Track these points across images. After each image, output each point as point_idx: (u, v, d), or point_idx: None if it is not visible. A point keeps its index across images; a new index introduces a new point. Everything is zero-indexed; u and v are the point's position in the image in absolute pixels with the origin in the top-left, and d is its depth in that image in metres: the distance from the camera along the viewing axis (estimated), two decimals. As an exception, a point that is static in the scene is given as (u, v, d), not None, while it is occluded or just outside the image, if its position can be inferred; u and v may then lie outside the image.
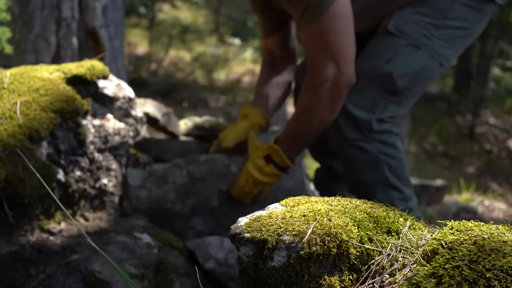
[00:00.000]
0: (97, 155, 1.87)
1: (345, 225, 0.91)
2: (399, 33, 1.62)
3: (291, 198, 1.06)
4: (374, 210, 1.00)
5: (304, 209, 0.96)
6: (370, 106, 1.60)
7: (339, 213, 0.95)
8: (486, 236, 0.81)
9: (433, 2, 1.63)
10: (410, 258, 0.86)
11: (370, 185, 1.65)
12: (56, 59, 2.70)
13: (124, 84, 2.07)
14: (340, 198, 1.06)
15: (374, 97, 1.59)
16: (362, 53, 1.68)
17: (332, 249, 0.87)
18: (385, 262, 0.88)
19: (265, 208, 1.02)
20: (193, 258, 1.57)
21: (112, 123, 1.96)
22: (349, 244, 0.89)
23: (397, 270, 0.85)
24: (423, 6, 1.63)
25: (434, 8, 1.62)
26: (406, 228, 0.95)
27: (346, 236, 0.89)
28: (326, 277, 0.87)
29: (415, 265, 0.83)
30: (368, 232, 0.93)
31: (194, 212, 1.81)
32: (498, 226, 0.87)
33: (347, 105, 1.59)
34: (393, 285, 0.82)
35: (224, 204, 1.84)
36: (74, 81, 1.88)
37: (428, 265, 0.81)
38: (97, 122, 1.91)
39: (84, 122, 1.85)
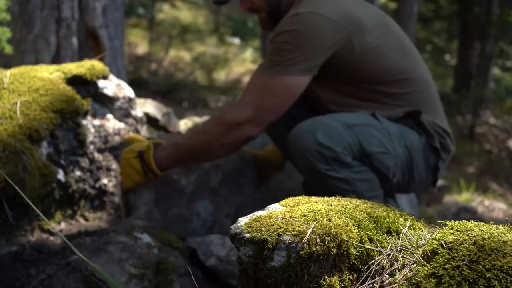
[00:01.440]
0: (97, 155, 1.87)
1: (345, 225, 0.91)
2: (381, 120, 1.68)
3: (291, 198, 1.06)
4: (374, 210, 1.00)
5: (304, 209, 0.96)
6: (341, 144, 1.56)
7: (339, 213, 0.95)
8: (486, 236, 0.81)
9: None
10: (410, 258, 0.86)
11: None
12: (56, 59, 2.70)
13: (124, 84, 2.07)
14: (340, 198, 1.06)
15: (347, 142, 1.56)
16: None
17: (332, 249, 0.87)
18: (385, 262, 0.88)
19: (265, 208, 1.02)
20: (194, 257, 1.57)
21: (112, 123, 1.96)
22: (349, 244, 0.89)
23: (397, 270, 0.85)
24: (400, 126, 1.71)
25: (408, 133, 1.72)
26: (406, 228, 0.95)
27: (346, 236, 0.89)
28: (326, 277, 0.87)
29: (415, 265, 0.83)
30: (368, 232, 0.93)
31: (196, 191, 1.84)
32: (498, 226, 0.87)
33: (319, 137, 1.54)
34: (393, 285, 0.82)
35: (223, 184, 1.86)
36: (74, 81, 1.88)
37: (428, 265, 0.81)
38: (97, 122, 1.91)
39: (84, 122, 1.85)
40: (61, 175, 1.74)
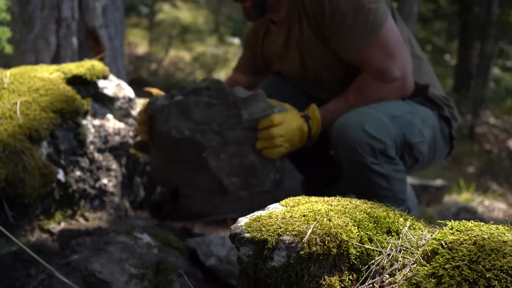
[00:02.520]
0: (97, 155, 1.88)
1: (345, 225, 0.91)
2: (413, 107, 1.72)
3: (291, 198, 1.06)
4: (374, 210, 1.00)
5: (304, 209, 0.96)
6: (388, 137, 1.57)
7: (339, 213, 0.95)
8: (486, 236, 0.81)
9: None
10: (410, 258, 0.86)
11: (384, 202, 1.62)
12: (56, 59, 2.70)
13: (124, 84, 2.07)
14: (340, 198, 1.06)
15: (393, 134, 1.57)
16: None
17: (332, 249, 0.87)
18: (385, 262, 0.88)
19: (265, 208, 1.02)
20: (194, 257, 1.57)
21: (112, 123, 1.96)
22: (349, 244, 0.89)
23: (397, 270, 0.85)
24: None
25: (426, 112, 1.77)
26: (406, 228, 0.96)
27: (346, 236, 0.89)
28: (326, 277, 0.87)
29: (415, 265, 0.83)
30: (368, 232, 0.93)
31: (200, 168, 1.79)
32: (498, 226, 0.87)
33: (368, 128, 1.54)
34: (393, 285, 0.82)
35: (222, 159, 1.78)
36: (74, 81, 1.88)
37: (428, 265, 0.81)
38: (97, 122, 1.91)
39: (84, 122, 1.85)
40: (61, 175, 1.74)
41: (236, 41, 10.08)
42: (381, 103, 1.68)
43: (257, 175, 1.73)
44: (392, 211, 1.04)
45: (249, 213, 1.00)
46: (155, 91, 1.91)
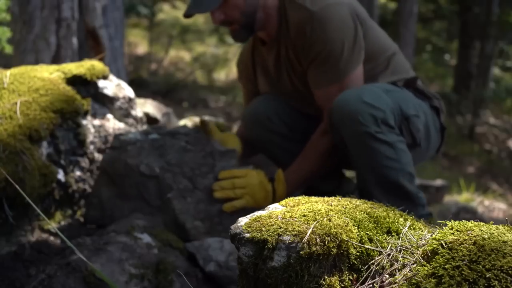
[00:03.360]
0: (97, 155, 1.87)
1: (345, 225, 0.91)
2: (403, 88, 1.80)
3: (291, 198, 1.06)
4: (374, 210, 1.00)
5: (304, 209, 0.96)
6: (387, 107, 1.59)
7: (339, 213, 0.95)
8: (486, 236, 0.81)
9: None
10: (410, 258, 0.86)
11: (394, 175, 1.61)
12: (56, 59, 2.70)
13: (124, 84, 2.07)
14: (340, 198, 1.06)
15: (389, 105, 1.59)
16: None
17: (332, 249, 0.87)
18: (385, 262, 0.88)
19: (265, 208, 1.02)
20: (194, 260, 1.57)
21: (112, 123, 1.96)
22: (349, 244, 0.89)
23: (397, 270, 0.85)
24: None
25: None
26: (406, 228, 0.96)
27: (346, 236, 0.89)
28: (326, 277, 0.87)
29: (415, 265, 0.83)
30: (368, 232, 0.93)
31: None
32: (498, 226, 0.87)
33: (366, 100, 1.56)
34: (393, 285, 0.82)
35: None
36: (74, 81, 1.88)
37: (428, 265, 0.81)
38: (97, 122, 1.91)
39: (84, 122, 1.85)
40: (61, 175, 1.74)
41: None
42: (372, 83, 1.73)
43: (222, 223, 1.70)
44: (392, 211, 1.04)
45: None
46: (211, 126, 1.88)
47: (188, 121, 2.40)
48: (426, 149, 1.80)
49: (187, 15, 1.77)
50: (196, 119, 2.36)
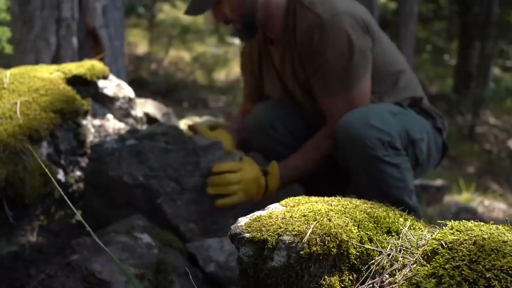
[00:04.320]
0: (97, 155, 1.88)
1: (345, 225, 0.91)
2: (407, 109, 1.77)
3: (291, 198, 1.06)
4: (374, 210, 1.00)
5: (304, 209, 0.96)
6: (394, 131, 1.59)
7: (339, 213, 0.95)
8: (486, 236, 0.81)
9: None
10: (410, 258, 0.86)
11: (399, 194, 1.63)
12: (56, 59, 2.70)
13: (124, 84, 2.07)
14: (340, 198, 1.06)
15: (396, 129, 1.59)
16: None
17: (332, 249, 0.87)
18: (385, 262, 0.88)
19: (265, 208, 1.02)
20: (194, 260, 1.57)
21: (112, 123, 1.96)
22: (349, 244, 0.89)
23: (397, 270, 0.85)
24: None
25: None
26: (406, 228, 0.95)
27: (346, 236, 0.89)
28: (326, 277, 0.87)
29: (415, 265, 0.83)
30: (368, 232, 0.93)
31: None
32: (498, 226, 0.87)
33: (374, 123, 1.56)
34: (393, 285, 0.82)
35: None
36: (74, 81, 1.88)
37: (428, 265, 0.81)
38: (97, 122, 1.91)
39: (84, 122, 1.85)
40: (61, 175, 1.74)
41: (236, 41, 10.08)
42: (378, 104, 1.71)
43: (216, 221, 1.68)
44: (392, 211, 1.04)
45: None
46: (200, 128, 1.85)
47: (188, 121, 2.40)
48: (426, 168, 1.81)
49: (190, 13, 1.78)
50: (196, 119, 2.35)
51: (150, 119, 2.23)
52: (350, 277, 0.89)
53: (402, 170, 1.58)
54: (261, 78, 2.02)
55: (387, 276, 0.85)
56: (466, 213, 3.82)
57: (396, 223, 0.98)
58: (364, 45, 1.66)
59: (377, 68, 1.74)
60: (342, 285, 0.88)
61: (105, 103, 1.98)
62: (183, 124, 2.39)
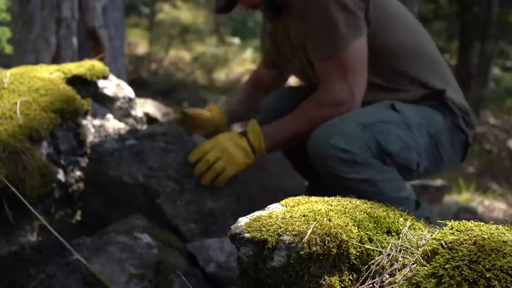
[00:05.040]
0: (97, 155, 1.88)
1: (345, 225, 0.91)
2: (400, 111, 1.64)
3: (291, 198, 1.06)
4: (374, 210, 1.00)
5: (304, 209, 0.96)
6: (357, 146, 1.55)
7: (339, 213, 0.95)
8: (486, 236, 0.81)
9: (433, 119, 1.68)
10: (410, 258, 0.86)
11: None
12: (56, 59, 2.70)
13: (124, 84, 2.07)
14: (340, 198, 1.06)
15: (364, 142, 1.55)
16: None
17: (332, 249, 0.87)
18: (385, 262, 0.88)
19: (265, 208, 1.02)
20: (194, 260, 1.57)
21: (112, 123, 1.96)
22: (349, 244, 0.89)
23: (397, 270, 0.85)
24: (420, 108, 1.68)
25: (431, 118, 1.68)
26: (406, 228, 0.96)
27: (346, 236, 0.89)
28: (326, 277, 0.87)
29: (415, 265, 0.83)
30: (368, 232, 0.93)
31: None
32: (498, 226, 0.87)
33: (333, 142, 1.52)
34: (393, 285, 0.82)
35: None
36: (74, 81, 1.88)
37: (428, 265, 0.81)
38: (97, 122, 1.91)
39: (84, 122, 1.85)
40: (61, 175, 1.74)
41: (236, 41, 10.09)
42: (356, 111, 1.64)
43: (216, 221, 1.68)
44: (392, 211, 1.04)
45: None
46: (193, 112, 1.84)
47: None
48: (435, 167, 1.74)
49: (220, 10, 1.81)
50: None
51: (150, 119, 2.23)
52: (350, 277, 0.89)
53: (375, 183, 1.53)
54: (280, 52, 1.98)
55: (387, 276, 0.85)
56: (466, 213, 3.82)
57: (396, 223, 0.98)
58: (353, 5, 1.58)
59: (378, 52, 1.67)
60: (342, 285, 0.88)
61: (105, 103, 1.98)
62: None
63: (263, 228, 0.91)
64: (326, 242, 0.87)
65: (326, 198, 1.06)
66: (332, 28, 1.59)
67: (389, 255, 0.88)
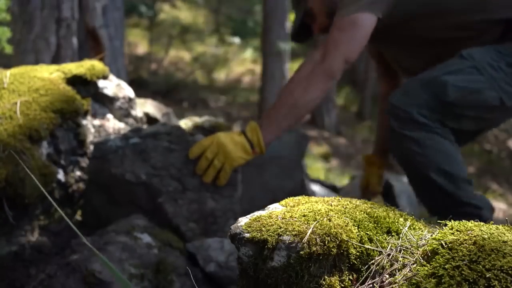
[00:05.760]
0: (97, 155, 1.88)
1: (345, 225, 0.91)
2: (468, 57, 1.67)
3: (291, 198, 1.06)
4: (374, 210, 1.00)
5: (304, 209, 0.96)
6: (415, 103, 1.62)
7: (339, 213, 0.95)
8: (486, 236, 0.81)
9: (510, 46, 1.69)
10: (410, 258, 0.86)
11: (422, 170, 1.64)
12: (56, 59, 2.70)
13: (124, 84, 2.07)
14: (340, 198, 1.06)
15: (423, 99, 1.61)
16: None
17: (332, 249, 0.87)
18: (385, 262, 0.88)
19: (265, 208, 1.02)
20: (194, 260, 1.57)
21: (112, 123, 1.96)
22: (349, 244, 0.89)
23: (397, 270, 0.85)
24: (501, 46, 1.69)
25: (510, 49, 1.68)
26: (406, 228, 0.96)
27: (346, 236, 0.89)
28: (326, 277, 0.87)
29: (415, 265, 0.83)
30: (368, 232, 0.93)
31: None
32: (498, 226, 0.87)
33: (393, 102, 1.65)
34: (393, 285, 0.82)
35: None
36: (74, 81, 1.88)
37: (428, 265, 0.81)
38: (97, 122, 1.91)
39: (84, 122, 1.85)
40: (61, 175, 1.74)
41: (236, 41, 10.09)
42: (429, 70, 1.69)
43: (217, 222, 1.69)
44: (392, 211, 1.04)
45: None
46: None
47: (188, 121, 2.40)
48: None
49: (297, 40, 2.00)
50: (196, 119, 2.35)
51: (150, 119, 2.23)
52: (350, 277, 0.89)
53: (423, 143, 1.60)
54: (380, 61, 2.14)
55: (387, 276, 0.85)
56: (466, 213, 3.81)
57: (396, 223, 0.98)
58: None
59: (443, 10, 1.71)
60: (342, 285, 0.88)
61: (105, 103, 1.98)
62: (183, 124, 2.39)
63: (263, 228, 0.91)
64: (326, 242, 0.87)
65: (326, 198, 1.06)
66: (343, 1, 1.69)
67: (389, 255, 0.88)
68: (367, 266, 0.89)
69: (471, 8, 1.71)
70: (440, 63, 1.70)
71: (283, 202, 1.04)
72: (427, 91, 1.60)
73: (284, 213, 0.95)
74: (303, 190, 2.01)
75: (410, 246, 0.89)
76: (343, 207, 0.99)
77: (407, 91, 1.63)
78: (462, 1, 1.72)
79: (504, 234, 0.82)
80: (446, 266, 0.78)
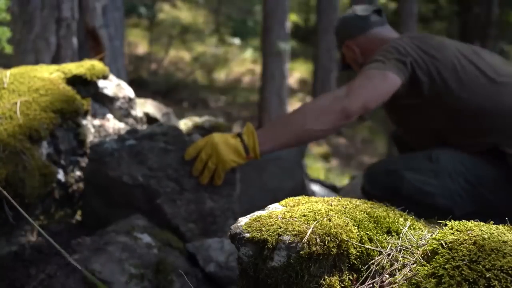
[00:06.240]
0: (97, 155, 1.87)
1: (345, 225, 0.91)
2: (435, 159, 1.77)
3: (291, 198, 1.06)
4: (374, 210, 1.00)
5: (304, 209, 0.96)
6: (379, 187, 1.77)
7: (339, 213, 0.95)
8: (486, 236, 0.81)
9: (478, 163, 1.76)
10: (410, 258, 0.86)
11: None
12: (56, 59, 2.70)
13: (124, 84, 2.07)
14: (340, 198, 1.06)
15: (385, 185, 1.76)
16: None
17: (332, 249, 0.87)
18: (385, 262, 0.88)
19: (265, 208, 1.02)
20: (194, 260, 1.57)
21: (112, 123, 1.96)
22: (349, 244, 0.89)
23: (397, 270, 0.85)
24: (470, 159, 1.76)
25: (476, 165, 1.76)
26: (406, 228, 0.96)
27: (346, 236, 0.89)
28: (326, 277, 0.87)
29: (415, 265, 0.83)
30: (368, 232, 0.93)
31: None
32: (498, 226, 0.87)
33: (364, 182, 1.84)
34: (393, 285, 0.82)
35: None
36: (74, 81, 1.88)
37: (428, 265, 0.81)
38: (97, 122, 1.91)
39: (84, 122, 1.85)
40: (61, 175, 1.74)
41: (236, 41, 10.09)
42: (400, 157, 1.96)
43: (216, 221, 1.68)
44: (392, 211, 1.04)
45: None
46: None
47: (188, 121, 2.40)
48: (485, 207, 1.75)
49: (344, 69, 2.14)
50: (196, 119, 2.35)
51: (150, 119, 2.23)
52: (350, 277, 0.89)
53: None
54: None
55: (387, 276, 0.85)
56: (466, 213, 3.81)
57: (396, 223, 0.98)
58: (403, 48, 1.76)
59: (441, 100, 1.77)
60: (342, 285, 0.88)
61: (105, 103, 1.98)
62: (183, 124, 2.39)
63: (263, 228, 0.91)
64: (326, 242, 0.87)
65: (326, 198, 1.06)
66: (377, 55, 1.79)
67: (389, 255, 0.88)
68: (367, 266, 0.89)
69: (483, 129, 1.77)
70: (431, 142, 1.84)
71: (283, 202, 1.04)
72: (388, 180, 1.75)
73: (284, 213, 0.95)
74: (303, 190, 2.01)
75: (410, 246, 0.89)
76: (343, 207, 0.99)
77: (372, 176, 1.81)
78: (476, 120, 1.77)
79: (504, 234, 0.82)
80: (446, 266, 0.78)
